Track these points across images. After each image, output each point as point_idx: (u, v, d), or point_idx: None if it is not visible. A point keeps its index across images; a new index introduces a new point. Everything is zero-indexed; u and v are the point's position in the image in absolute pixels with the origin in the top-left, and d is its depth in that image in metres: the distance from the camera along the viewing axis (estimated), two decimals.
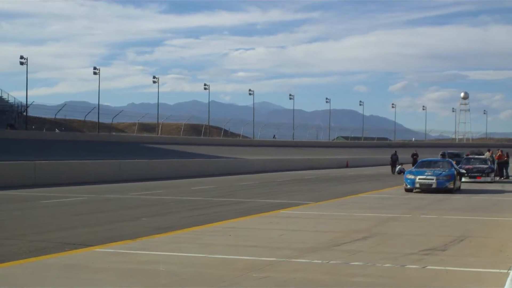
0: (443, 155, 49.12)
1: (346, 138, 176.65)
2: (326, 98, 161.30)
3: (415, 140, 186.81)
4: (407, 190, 31.26)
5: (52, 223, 18.25)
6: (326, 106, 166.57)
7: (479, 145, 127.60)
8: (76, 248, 13.15)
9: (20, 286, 9.55)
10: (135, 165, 46.90)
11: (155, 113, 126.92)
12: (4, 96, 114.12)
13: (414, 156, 60.38)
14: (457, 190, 31.89)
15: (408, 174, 31.92)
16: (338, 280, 10.07)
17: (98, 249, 12.98)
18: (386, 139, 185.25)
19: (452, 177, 31.12)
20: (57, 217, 19.83)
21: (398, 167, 56.31)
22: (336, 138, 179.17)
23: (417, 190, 31.03)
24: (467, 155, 54.26)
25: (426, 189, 30.79)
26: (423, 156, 51.99)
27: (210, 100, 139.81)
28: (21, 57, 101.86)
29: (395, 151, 61.16)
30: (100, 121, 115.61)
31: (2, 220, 19.11)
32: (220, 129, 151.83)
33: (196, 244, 13.62)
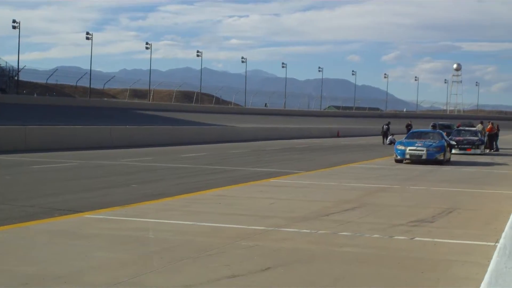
0: (434, 126, 49.24)
1: (338, 107, 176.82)
2: (319, 67, 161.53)
3: (407, 111, 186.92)
4: (397, 161, 31.34)
5: (42, 188, 18.25)
6: (318, 75, 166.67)
7: (470, 117, 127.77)
8: (65, 214, 13.16)
9: (9, 252, 9.57)
10: (126, 132, 46.83)
11: (147, 80, 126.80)
12: None
13: (409, 127, 60.19)
14: (447, 162, 31.98)
15: (399, 145, 31.97)
16: (326, 250, 10.14)
17: (87, 215, 13.00)
18: (377, 109, 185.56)
19: (442, 149, 31.19)
20: (47, 183, 19.82)
21: (389, 138, 56.45)
22: (328, 107, 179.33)
23: (407, 161, 31.12)
24: (458, 126, 54.28)
25: (416, 160, 30.88)
26: (414, 127, 51.94)
27: (202, 67, 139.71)
28: (14, 21, 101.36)
29: (388, 122, 60.93)
30: (92, 86, 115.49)
31: None
32: (212, 96, 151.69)
33: (186, 211, 13.66)
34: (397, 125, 76.14)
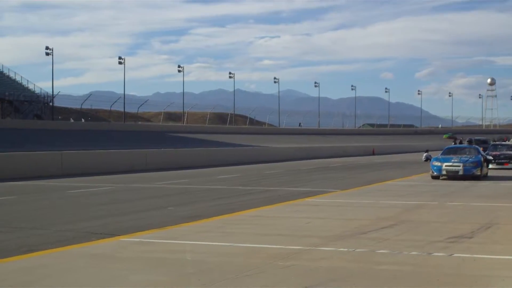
0: (469, 142, 48.79)
1: (372, 125, 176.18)
2: (352, 86, 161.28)
3: (442, 127, 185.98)
4: (434, 177, 31.11)
5: (79, 213, 18.37)
6: (351, 94, 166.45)
7: (506, 131, 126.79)
8: (103, 238, 13.23)
9: (48, 276, 9.62)
10: (161, 155, 47.06)
11: (180, 102, 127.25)
12: (31, 86, 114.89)
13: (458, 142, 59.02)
14: (484, 177, 31.69)
15: (435, 161, 31.74)
16: (364, 268, 10.06)
17: (124, 238, 13.04)
18: (412, 126, 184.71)
19: (479, 164, 30.91)
20: (84, 207, 19.95)
21: (424, 154, 56.05)
22: (362, 125, 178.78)
23: (443, 177, 30.87)
24: (505, 140, 53.54)
25: (452, 176, 30.63)
26: (449, 143, 51.53)
27: (235, 89, 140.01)
28: (47, 48, 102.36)
29: (427, 150, 59.41)
30: (126, 110, 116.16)
31: (30, 210, 19.27)
32: (246, 117, 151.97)
33: (223, 233, 13.65)
34: (432, 142, 75.62)
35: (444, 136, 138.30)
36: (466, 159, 31.23)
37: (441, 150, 35.99)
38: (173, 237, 13.03)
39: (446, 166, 30.85)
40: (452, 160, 31.16)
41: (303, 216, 16.42)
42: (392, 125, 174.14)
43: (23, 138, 70.14)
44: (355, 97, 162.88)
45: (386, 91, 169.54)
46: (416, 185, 28.11)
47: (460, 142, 50.88)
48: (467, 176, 30.43)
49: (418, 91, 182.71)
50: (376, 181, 30.39)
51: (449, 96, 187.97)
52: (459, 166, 30.64)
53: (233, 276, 9.44)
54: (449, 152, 33.32)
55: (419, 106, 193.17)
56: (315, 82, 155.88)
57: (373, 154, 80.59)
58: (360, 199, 21.29)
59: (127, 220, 16.33)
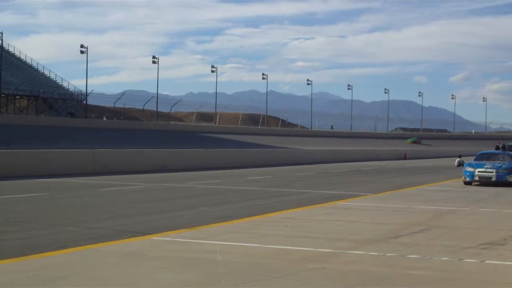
0: (503, 148, 48.38)
1: (405, 129, 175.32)
2: (385, 89, 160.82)
3: (475, 132, 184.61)
4: (466, 183, 30.89)
5: (111, 210, 18.50)
6: (384, 97, 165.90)
7: None
8: (134, 236, 13.31)
9: (80, 272, 9.69)
10: (193, 154, 47.24)
11: (213, 103, 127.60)
12: (65, 84, 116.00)
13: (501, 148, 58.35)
14: None
15: (467, 167, 31.52)
16: (394, 273, 10.02)
17: (156, 237, 13.11)
18: (445, 130, 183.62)
19: None
20: (116, 205, 20.08)
21: (457, 159, 55.76)
22: (395, 129, 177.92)
23: (476, 183, 30.65)
24: None
25: (485, 182, 30.39)
26: (483, 149, 51.15)
27: (268, 90, 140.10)
28: (82, 46, 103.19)
29: (460, 155, 59.04)
30: (159, 110, 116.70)
31: (62, 207, 19.42)
32: (278, 119, 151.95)
33: (253, 234, 13.66)
34: (465, 147, 75.16)
35: (408, 140, 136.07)
36: (500, 165, 30.99)
37: (474, 155, 35.72)
38: (204, 237, 13.06)
39: (478, 172, 30.63)
40: (485, 166, 30.93)
41: (334, 219, 16.39)
42: (424, 130, 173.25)
43: (56, 136, 70.71)
44: (388, 100, 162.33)
45: (419, 95, 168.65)
46: (448, 190, 27.93)
47: (503, 148, 50.25)
48: (500, 182, 30.19)
49: (452, 95, 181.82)
50: (408, 185, 30.25)
51: (483, 101, 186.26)
52: (492, 172, 30.42)
53: (263, 278, 9.45)
54: (482, 157, 33.06)
55: (453, 110, 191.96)
56: (348, 85, 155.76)
57: (405, 158, 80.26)
58: (391, 203, 21.21)
59: (158, 219, 16.41)
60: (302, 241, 12.76)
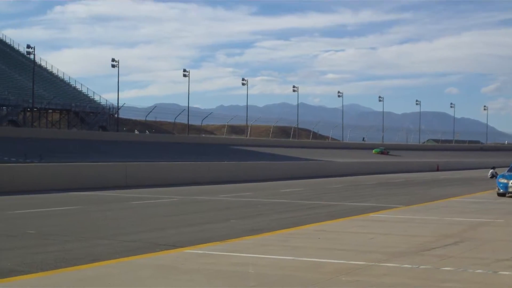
0: None
1: (437, 141, 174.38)
2: (416, 100, 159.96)
3: (508, 143, 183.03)
4: (500, 195, 30.59)
5: (143, 223, 18.57)
6: (416, 109, 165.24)
7: None
8: (166, 249, 13.34)
9: (113, 285, 9.73)
10: (224, 167, 47.29)
11: (244, 115, 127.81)
12: (96, 98, 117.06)
13: None
14: None
15: (501, 178, 31.22)
16: (428, 285, 9.94)
17: (188, 250, 13.12)
18: (478, 142, 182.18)
19: None
20: (148, 218, 20.16)
21: (490, 171, 55.30)
22: (426, 141, 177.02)
23: (510, 194, 30.35)
24: None
25: None
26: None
27: (299, 102, 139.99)
28: (113, 60, 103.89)
29: (493, 167, 58.48)
30: (190, 123, 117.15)
31: (95, 220, 19.53)
32: (309, 131, 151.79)
33: (285, 246, 13.64)
34: (499, 158, 74.54)
35: (374, 151, 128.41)
36: None
37: (507, 166, 35.40)
38: (236, 250, 13.06)
39: None
40: None
41: (366, 232, 16.32)
42: (457, 141, 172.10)
43: (88, 149, 71.24)
44: (420, 112, 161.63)
45: (451, 106, 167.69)
46: (481, 202, 27.69)
47: None
48: None
49: (484, 106, 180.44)
50: (441, 197, 30.04)
51: None
52: None
53: None
54: None
55: (485, 121, 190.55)
56: (379, 97, 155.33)
57: (438, 170, 79.77)
58: (424, 215, 21.07)
59: (190, 232, 16.45)
60: (335, 254, 12.71)
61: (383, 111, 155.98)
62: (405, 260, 12.01)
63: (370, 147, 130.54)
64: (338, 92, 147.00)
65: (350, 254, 12.63)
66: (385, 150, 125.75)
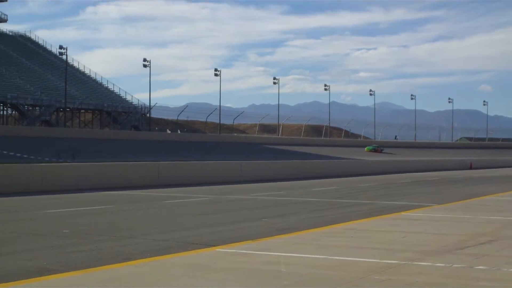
0: None
1: (470, 139, 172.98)
2: (449, 98, 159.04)
3: None
4: None
5: (175, 222, 18.62)
6: (448, 106, 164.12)
7: None
8: (199, 248, 13.35)
9: (146, 284, 9.75)
10: (256, 166, 47.28)
11: (275, 114, 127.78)
12: (128, 98, 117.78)
13: None
14: None
15: None
16: (462, 284, 9.84)
17: (220, 249, 13.12)
18: None
19: None
20: (180, 217, 20.21)
21: None
22: (459, 139, 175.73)
23: None
24: None
25: None
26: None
27: (330, 101, 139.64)
28: (144, 60, 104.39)
29: None
30: (222, 122, 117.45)
31: (127, 220, 19.63)
32: (341, 130, 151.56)
33: (317, 245, 13.59)
34: None
35: (366, 148, 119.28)
36: None
37: None
38: (268, 249, 13.04)
39: None
40: None
41: (399, 230, 16.22)
42: (490, 139, 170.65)
43: (120, 149, 71.60)
44: (452, 109, 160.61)
45: (484, 104, 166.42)
46: None
47: None
48: None
49: None
50: (474, 195, 29.78)
51: None
52: None
53: None
54: None
55: None
56: (411, 95, 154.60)
57: (471, 168, 79.17)
58: (458, 214, 20.89)
59: (222, 231, 16.46)
60: (367, 253, 12.64)
61: (415, 109, 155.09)
62: (438, 259, 11.91)
63: (402, 146, 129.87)
64: (370, 90, 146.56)
65: (382, 253, 12.55)
66: (378, 148, 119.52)
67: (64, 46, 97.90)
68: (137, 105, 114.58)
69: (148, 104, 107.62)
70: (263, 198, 27.83)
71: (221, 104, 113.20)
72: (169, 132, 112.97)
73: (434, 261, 11.71)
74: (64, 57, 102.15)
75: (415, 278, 10.18)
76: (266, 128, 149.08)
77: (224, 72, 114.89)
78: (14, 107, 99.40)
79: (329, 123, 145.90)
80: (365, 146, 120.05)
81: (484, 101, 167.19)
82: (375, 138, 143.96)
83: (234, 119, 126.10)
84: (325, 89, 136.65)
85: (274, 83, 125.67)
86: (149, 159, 53.67)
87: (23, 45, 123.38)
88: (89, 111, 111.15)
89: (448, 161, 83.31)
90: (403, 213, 21.17)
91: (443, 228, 17.02)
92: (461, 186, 38.73)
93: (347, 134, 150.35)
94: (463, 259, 11.94)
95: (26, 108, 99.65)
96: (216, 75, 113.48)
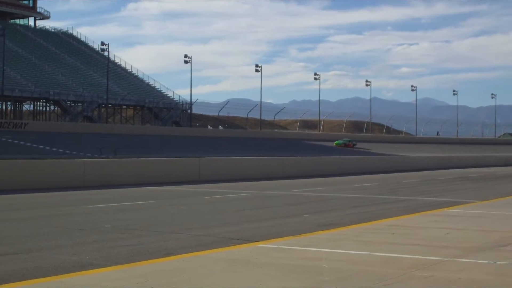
0: None
1: None
2: (492, 94, 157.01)
3: None
4: None
5: (216, 218, 18.67)
6: (491, 102, 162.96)
7: None
8: (240, 243, 13.36)
9: (186, 279, 9.77)
10: (297, 162, 47.21)
11: (316, 110, 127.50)
12: (169, 94, 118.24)
13: None
14: None
15: None
16: (505, 282, 9.73)
17: (261, 244, 13.12)
18: None
19: None
20: (221, 213, 20.26)
21: None
22: (503, 134, 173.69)
23: None
24: None
25: None
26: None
27: (372, 97, 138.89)
28: (185, 56, 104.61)
29: None
30: (262, 118, 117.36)
31: (169, 215, 19.74)
32: (382, 126, 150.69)
33: (359, 241, 13.53)
34: None
35: (335, 143, 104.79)
36: None
37: None
38: (309, 244, 13.01)
39: None
40: None
41: (441, 227, 16.08)
42: None
43: (162, 144, 71.93)
44: (496, 105, 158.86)
45: None
46: None
47: None
48: None
49: None
50: None
51: None
52: None
53: (370, 285, 9.32)
54: None
55: None
56: (454, 90, 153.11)
57: None
58: (501, 210, 20.67)
59: (264, 227, 16.47)
60: (409, 249, 12.55)
61: (457, 105, 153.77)
62: (482, 256, 11.79)
63: (445, 142, 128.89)
64: (412, 86, 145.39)
65: (425, 249, 12.46)
66: (350, 142, 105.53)
67: (105, 43, 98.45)
68: (178, 101, 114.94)
69: (189, 100, 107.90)
70: (304, 194, 27.79)
71: (262, 100, 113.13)
72: (210, 128, 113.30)
73: (477, 258, 11.59)
74: (105, 53, 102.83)
75: (458, 275, 10.08)
76: (307, 124, 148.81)
77: (265, 68, 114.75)
78: (56, 103, 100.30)
79: (371, 119, 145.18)
80: (407, 142, 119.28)
81: None
82: (416, 134, 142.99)
83: (275, 115, 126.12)
84: (367, 85, 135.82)
85: (315, 79, 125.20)
86: (190, 155, 53.84)
87: (66, 42, 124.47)
88: (130, 107, 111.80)
89: (491, 157, 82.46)
90: (445, 209, 20.99)
91: (486, 224, 16.86)
92: (504, 183, 38.32)
93: (389, 130, 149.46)
94: (507, 256, 11.81)
95: (68, 104, 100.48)
96: (257, 71, 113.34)
